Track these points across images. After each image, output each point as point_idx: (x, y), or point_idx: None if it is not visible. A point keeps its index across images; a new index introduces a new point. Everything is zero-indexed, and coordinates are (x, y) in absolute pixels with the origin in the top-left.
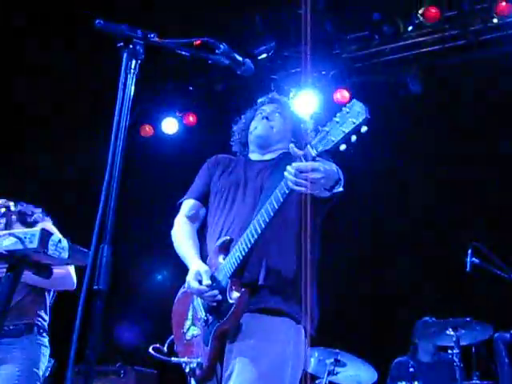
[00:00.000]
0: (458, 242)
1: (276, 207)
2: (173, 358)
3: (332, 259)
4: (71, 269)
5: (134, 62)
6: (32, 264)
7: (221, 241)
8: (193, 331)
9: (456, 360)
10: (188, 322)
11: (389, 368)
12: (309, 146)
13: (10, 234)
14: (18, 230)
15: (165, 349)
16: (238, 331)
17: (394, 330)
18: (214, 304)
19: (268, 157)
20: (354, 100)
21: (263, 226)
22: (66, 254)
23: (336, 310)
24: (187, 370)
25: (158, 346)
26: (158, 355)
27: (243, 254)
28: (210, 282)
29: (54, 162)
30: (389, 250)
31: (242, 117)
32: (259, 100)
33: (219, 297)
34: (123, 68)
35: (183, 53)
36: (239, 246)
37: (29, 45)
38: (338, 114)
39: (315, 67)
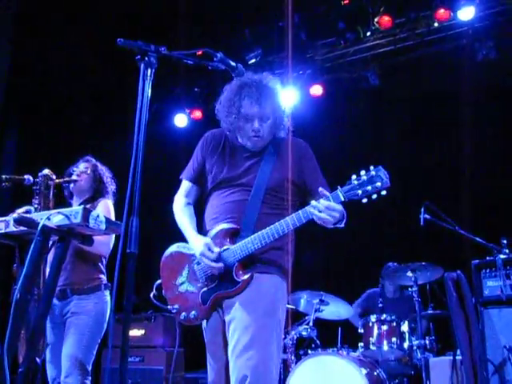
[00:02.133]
0: (414, 203)
1: (297, 225)
2: (169, 307)
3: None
4: (111, 239)
5: (149, 70)
6: (77, 235)
7: (228, 226)
8: (187, 287)
9: (415, 296)
10: (181, 278)
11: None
12: (339, 191)
13: (58, 212)
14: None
15: (154, 291)
16: None
17: (366, 274)
18: (216, 274)
19: (259, 149)
20: (380, 167)
21: (281, 234)
22: (103, 226)
23: (321, 262)
24: (182, 317)
25: (156, 293)
26: (157, 302)
27: (256, 248)
28: (218, 249)
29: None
30: (362, 212)
31: (228, 97)
32: (243, 79)
33: (222, 269)
34: (141, 76)
35: (188, 61)
36: (254, 240)
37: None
38: (364, 174)
39: (294, 68)
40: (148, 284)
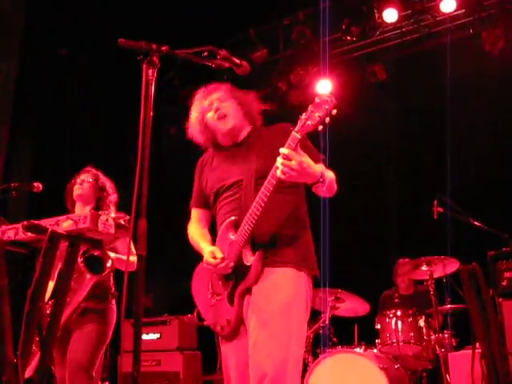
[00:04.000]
0: (426, 196)
1: (273, 183)
2: (205, 323)
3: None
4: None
5: (151, 70)
6: (86, 240)
7: (227, 221)
8: (216, 298)
9: (431, 290)
10: (209, 292)
11: (377, 300)
12: (293, 132)
13: (67, 218)
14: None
15: (195, 315)
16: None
17: (381, 269)
18: (230, 272)
19: (238, 139)
20: (321, 93)
21: (265, 199)
22: (112, 230)
23: (335, 258)
24: (218, 328)
25: (190, 316)
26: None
27: (251, 226)
28: (221, 255)
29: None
30: (377, 208)
31: (192, 113)
32: (197, 95)
33: (231, 264)
34: (144, 76)
35: (191, 60)
36: (246, 221)
37: None
38: (311, 105)
39: (301, 65)
40: (162, 288)
